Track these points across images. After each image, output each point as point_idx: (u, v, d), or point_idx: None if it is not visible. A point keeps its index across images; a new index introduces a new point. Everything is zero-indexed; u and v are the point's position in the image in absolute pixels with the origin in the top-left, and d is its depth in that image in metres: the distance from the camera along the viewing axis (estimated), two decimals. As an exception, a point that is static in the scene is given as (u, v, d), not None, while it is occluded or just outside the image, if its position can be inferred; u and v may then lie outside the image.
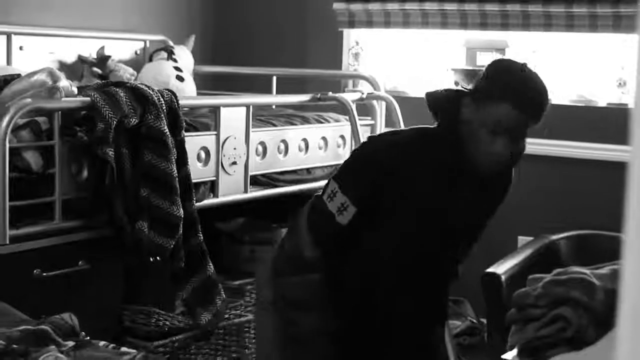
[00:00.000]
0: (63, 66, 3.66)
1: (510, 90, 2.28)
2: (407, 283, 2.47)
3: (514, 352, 2.58)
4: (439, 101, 2.42)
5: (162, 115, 2.77)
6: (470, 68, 4.29)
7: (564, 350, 2.41)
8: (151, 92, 2.77)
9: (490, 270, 3.36)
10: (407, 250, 2.43)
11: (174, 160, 2.79)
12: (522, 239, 4.00)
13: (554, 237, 3.75)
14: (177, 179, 2.79)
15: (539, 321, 2.41)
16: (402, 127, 3.70)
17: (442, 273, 2.58)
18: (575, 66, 4.21)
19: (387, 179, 2.36)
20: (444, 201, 2.41)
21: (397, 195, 2.37)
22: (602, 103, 4.06)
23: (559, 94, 4.19)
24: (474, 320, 3.98)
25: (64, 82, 2.63)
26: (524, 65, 2.36)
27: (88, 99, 2.63)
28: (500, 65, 2.43)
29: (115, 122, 2.62)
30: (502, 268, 3.37)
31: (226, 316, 3.19)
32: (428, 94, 2.46)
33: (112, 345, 2.05)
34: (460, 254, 2.60)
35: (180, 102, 2.90)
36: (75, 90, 2.69)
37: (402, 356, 2.52)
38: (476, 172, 2.36)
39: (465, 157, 2.33)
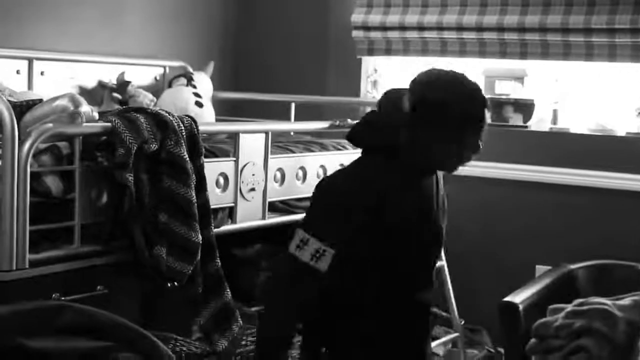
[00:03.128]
0: (83, 91, 3.68)
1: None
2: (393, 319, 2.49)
3: (534, 382, 2.56)
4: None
5: (182, 141, 2.77)
6: (489, 96, 4.29)
7: (585, 382, 2.38)
8: (171, 118, 2.78)
9: (507, 299, 3.34)
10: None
11: (192, 185, 2.79)
12: (540, 268, 3.98)
13: (573, 266, 3.73)
14: (195, 204, 2.79)
15: (560, 352, 2.38)
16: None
17: (423, 288, 2.58)
18: (594, 95, 4.20)
19: (375, 217, 2.36)
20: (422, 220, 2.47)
21: (388, 225, 2.37)
22: (621, 132, 4.05)
23: (578, 122, 4.19)
24: (492, 350, 3.96)
25: (85, 108, 2.64)
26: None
27: (109, 124, 2.64)
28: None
29: (135, 148, 2.63)
30: (519, 297, 3.35)
31: (243, 342, 3.18)
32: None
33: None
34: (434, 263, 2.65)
35: (199, 128, 2.91)
36: (96, 116, 2.70)
37: None
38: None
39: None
